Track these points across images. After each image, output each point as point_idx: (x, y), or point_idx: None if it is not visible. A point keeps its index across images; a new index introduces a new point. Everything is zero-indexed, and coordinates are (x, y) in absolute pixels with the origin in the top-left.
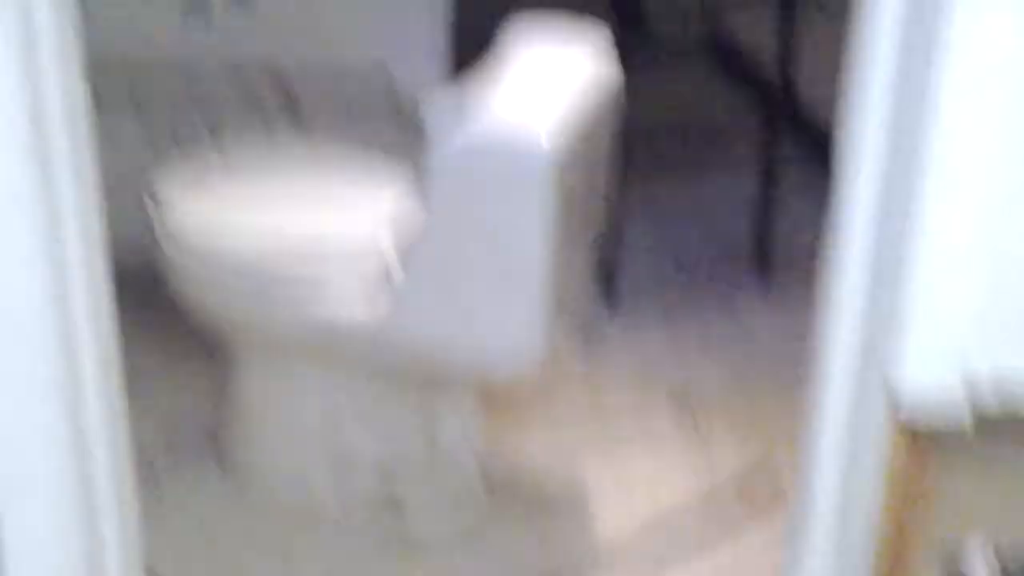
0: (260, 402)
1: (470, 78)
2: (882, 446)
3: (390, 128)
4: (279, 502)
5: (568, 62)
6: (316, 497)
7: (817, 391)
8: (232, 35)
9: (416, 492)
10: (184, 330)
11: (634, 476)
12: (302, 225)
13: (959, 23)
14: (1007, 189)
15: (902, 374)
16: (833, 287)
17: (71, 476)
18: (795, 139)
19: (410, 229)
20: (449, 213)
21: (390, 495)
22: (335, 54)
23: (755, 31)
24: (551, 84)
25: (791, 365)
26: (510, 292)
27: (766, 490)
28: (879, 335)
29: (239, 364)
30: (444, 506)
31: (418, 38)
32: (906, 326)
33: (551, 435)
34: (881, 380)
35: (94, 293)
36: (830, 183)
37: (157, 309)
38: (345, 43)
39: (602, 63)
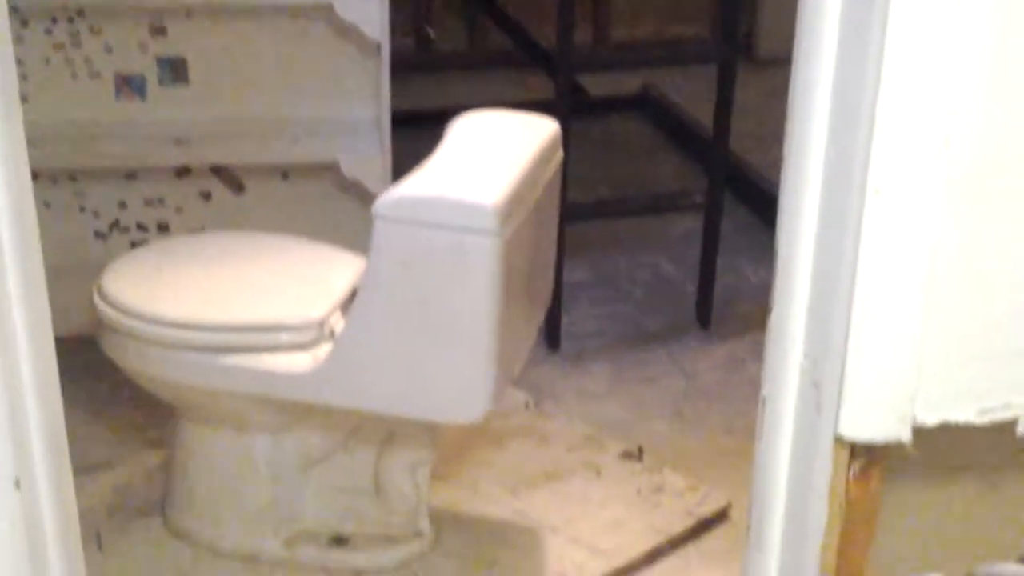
0: (204, 462)
1: (417, 166)
2: (827, 474)
3: (337, 213)
4: (224, 550)
5: (515, 139)
6: (261, 542)
7: (765, 425)
8: (169, 114)
9: (363, 528)
10: (128, 398)
11: (581, 512)
12: (246, 303)
13: (891, 69)
14: (944, 239)
15: (846, 417)
16: (777, 328)
17: (20, 546)
18: (733, 187)
19: (357, 301)
20: (396, 286)
21: (336, 532)
22: (276, 141)
23: (688, 88)
24: (498, 158)
25: (728, 403)
26: (457, 353)
27: (711, 518)
28: (823, 377)
29: (182, 427)
30: (391, 542)
31: (362, 129)
32: (848, 374)
33: (498, 473)
34: (826, 416)
35: (39, 363)
36: (768, 229)
37: (102, 379)
38: (285, 129)
39: (549, 138)
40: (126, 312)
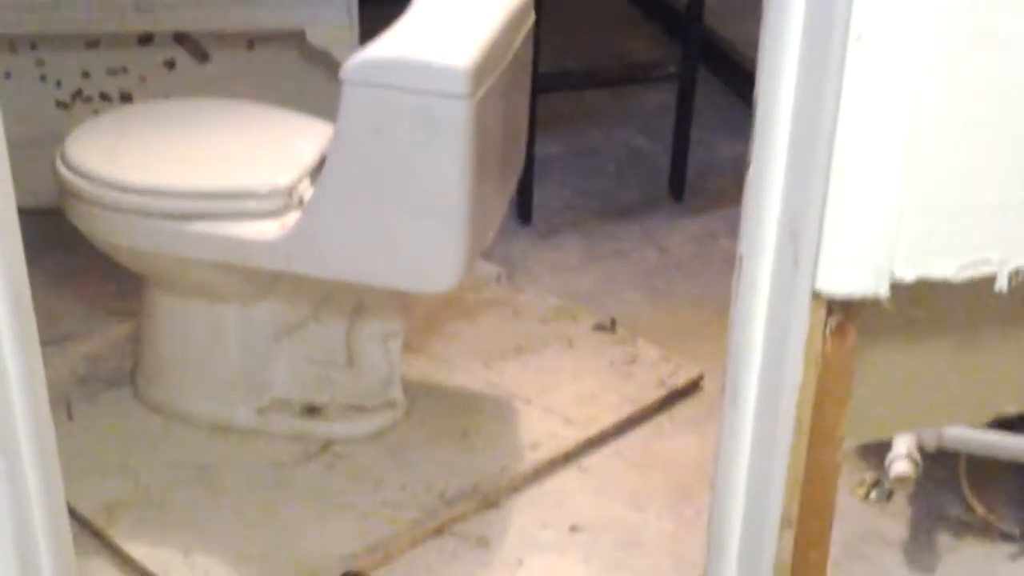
0: (175, 332)
1: (385, 30)
2: (804, 331)
3: (304, 83)
4: (196, 419)
5: (485, 1)
6: (233, 411)
7: (741, 282)
8: None
9: (335, 398)
10: (97, 270)
11: (554, 383)
12: (212, 169)
13: None
14: (927, 88)
15: (824, 272)
16: (755, 181)
17: None
18: (707, 61)
19: (326, 168)
20: (365, 152)
21: (308, 402)
22: (240, 7)
23: None
24: (468, 22)
25: (701, 276)
26: (427, 221)
27: (683, 389)
28: (801, 231)
29: (152, 297)
30: (363, 412)
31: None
32: (826, 228)
33: (471, 345)
34: (803, 271)
35: (2, 233)
36: (743, 104)
37: (70, 252)
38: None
39: (520, 1)
40: (90, 178)
